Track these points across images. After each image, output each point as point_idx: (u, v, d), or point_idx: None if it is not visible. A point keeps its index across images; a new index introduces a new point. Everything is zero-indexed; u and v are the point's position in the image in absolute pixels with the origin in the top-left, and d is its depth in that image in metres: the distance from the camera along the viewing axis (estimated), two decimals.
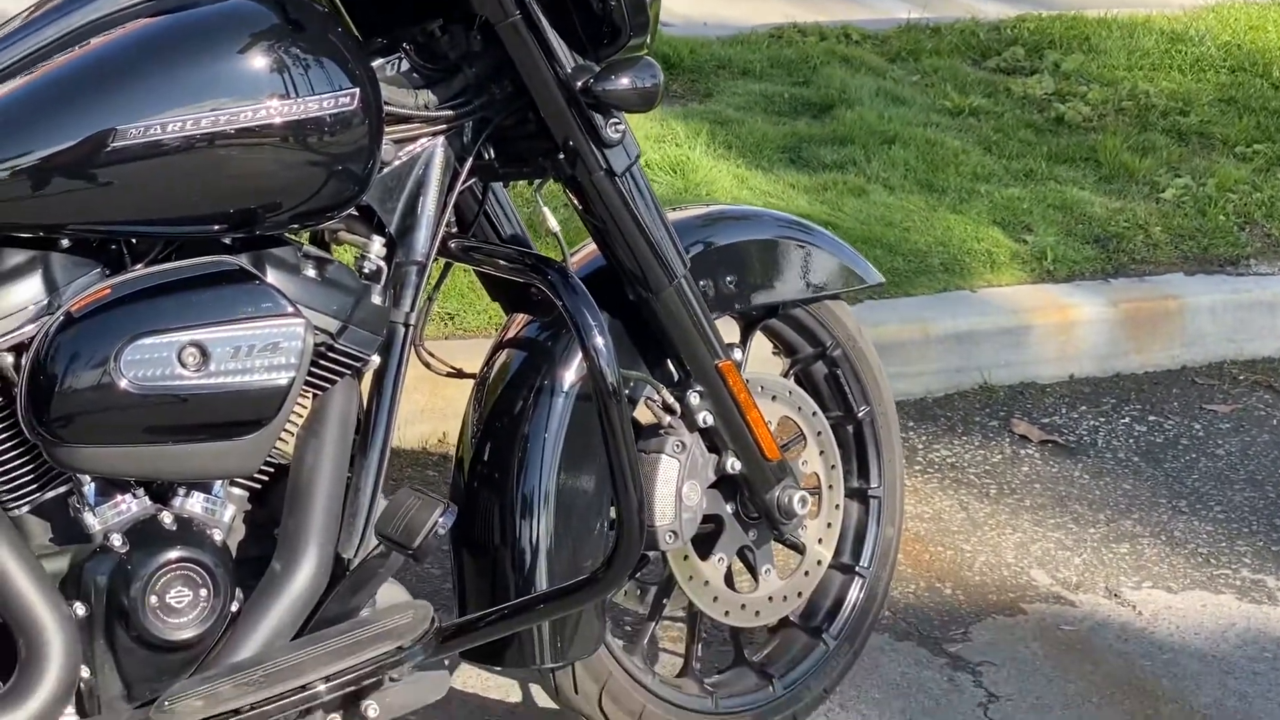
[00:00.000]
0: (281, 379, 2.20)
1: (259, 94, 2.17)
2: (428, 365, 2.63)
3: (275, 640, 2.29)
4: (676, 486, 2.57)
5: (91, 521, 2.23)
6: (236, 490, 2.35)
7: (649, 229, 2.48)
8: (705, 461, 2.62)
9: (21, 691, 2.16)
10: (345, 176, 2.25)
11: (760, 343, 2.83)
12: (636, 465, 2.37)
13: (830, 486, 2.81)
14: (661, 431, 2.59)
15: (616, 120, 2.40)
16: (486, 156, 2.49)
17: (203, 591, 2.25)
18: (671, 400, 2.59)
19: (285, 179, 2.22)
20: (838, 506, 2.83)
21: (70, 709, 2.22)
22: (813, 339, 2.83)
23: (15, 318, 2.16)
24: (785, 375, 2.85)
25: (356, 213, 2.37)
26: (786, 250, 2.74)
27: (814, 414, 2.78)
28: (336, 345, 2.31)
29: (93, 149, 2.11)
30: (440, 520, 2.27)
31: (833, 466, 2.81)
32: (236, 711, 2.19)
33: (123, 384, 2.12)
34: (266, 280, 2.24)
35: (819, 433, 2.79)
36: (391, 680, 2.40)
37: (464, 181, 2.44)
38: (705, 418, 2.60)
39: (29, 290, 2.18)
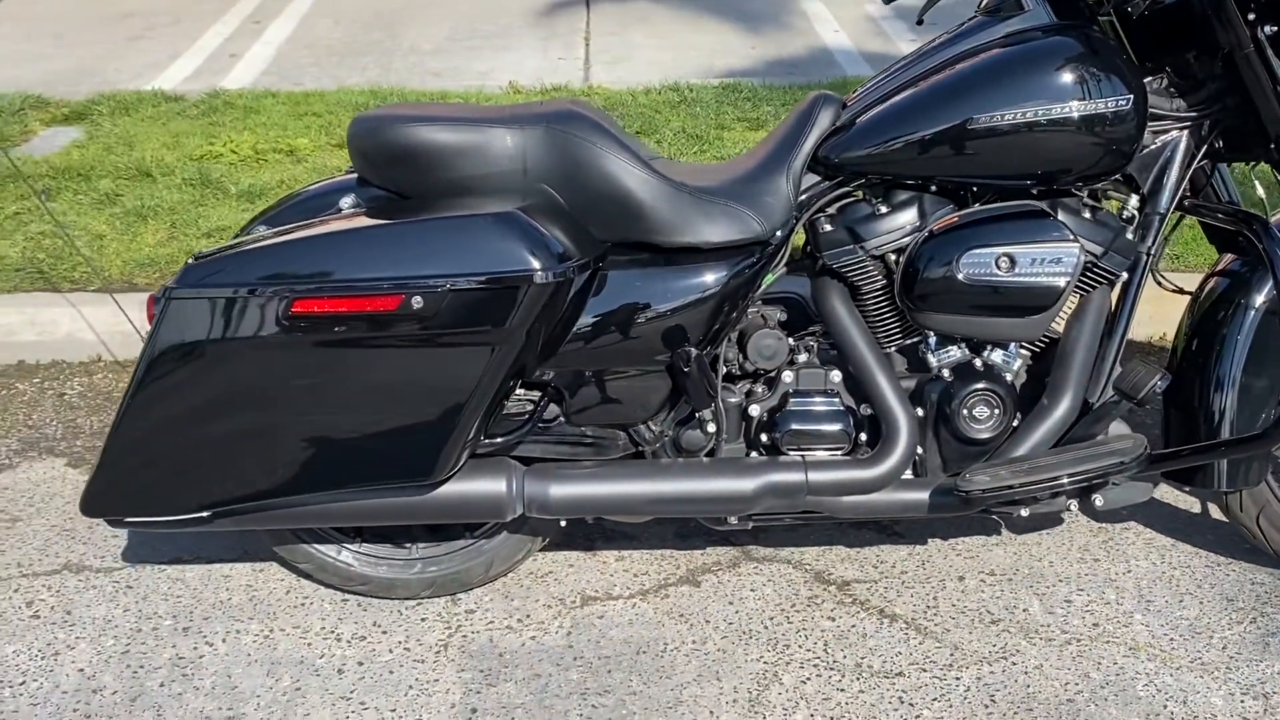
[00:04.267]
0: (1060, 281, 2.27)
1: (1067, 97, 2.22)
2: (1160, 284, 2.60)
3: (1039, 448, 2.37)
4: None
5: (931, 360, 2.40)
6: (1024, 351, 2.43)
7: None
8: None
9: (884, 455, 2.37)
10: (1117, 154, 2.27)
11: None
12: None
13: None
14: None
15: None
16: (1217, 145, 2.41)
17: (996, 410, 2.36)
18: None
19: (1078, 154, 2.26)
20: None
21: (908, 471, 2.40)
22: None
23: (899, 231, 2.34)
24: None
25: (1121, 178, 2.38)
26: None
27: None
28: (1099, 263, 2.34)
29: (957, 129, 2.25)
30: (1158, 383, 2.27)
31: None
32: (1010, 487, 2.28)
33: (960, 276, 2.26)
34: (1057, 218, 2.29)
35: None
36: (1113, 484, 2.43)
37: (1198, 161, 2.39)
38: None
39: (909, 215, 2.35)
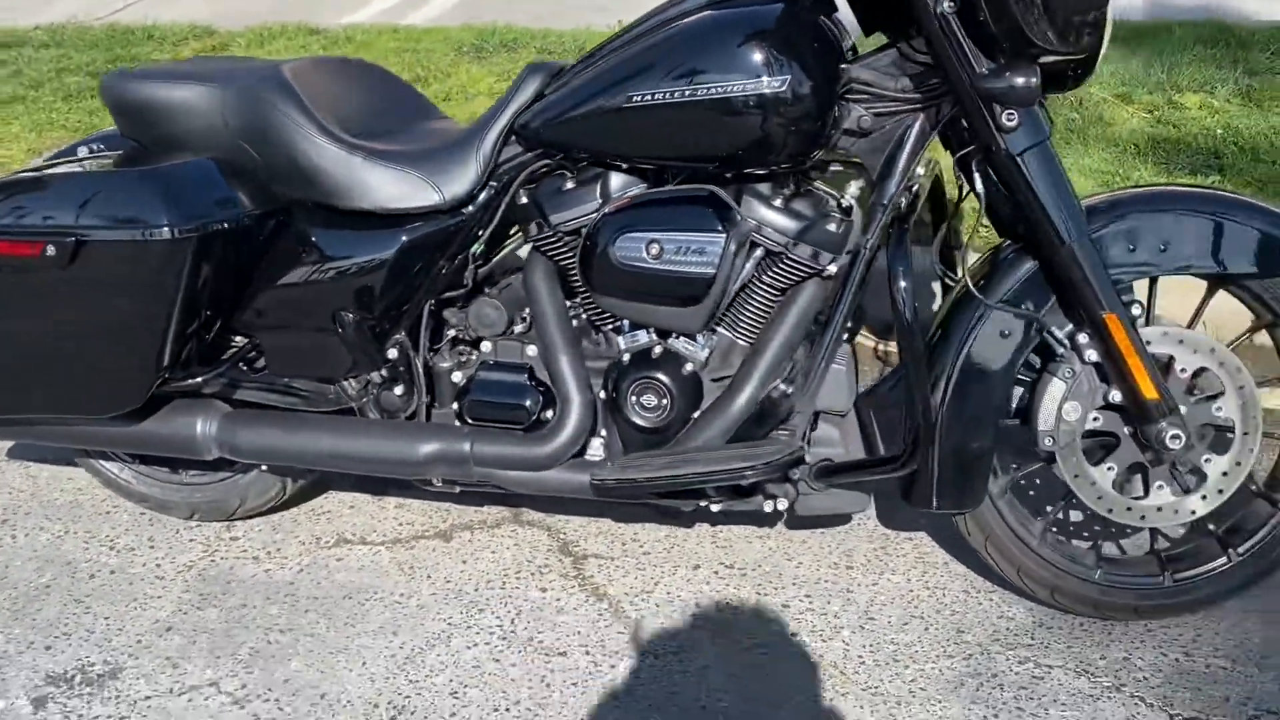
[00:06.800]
0: (706, 272, 2.15)
1: (723, 76, 2.08)
2: (940, 275, 2.39)
3: (711, 441, 2.26)
4: (1059, 403, 2.17)
5: (619, 342, 2.34)
6: (742, 343, 2.30)
7: (1045, 201, 2.08)
8: (1094, 389, 2.18)
9: (551, 434, 2.34)
10: (797, 138, 2.11)
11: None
12: (925, 382, 2.06)
13: (1246, 433, 2.19)
14: (1058, 358, 2.17)
15: (1012, 112, 2.02)
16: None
17: (664, 400, 2.28)
18: (1062, 337, 2.17)
19: (743, 138, 2.11)
20: (1252, 450, 2.20)
21: (585, 445, 2.36)
22: (1268, 309, 2.19)
23: (585, 208, 2.29)
24: (1251, 334, 2.24)
25: (857, 161, 2.22)
26: (1222, 228, 2.13)
27: (1238, 369, 2.17)
28: (790, 254, 2.20)
29: (617, 107, 2.16)
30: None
31: (1252, 416, 2.18)
32: (634, 482, 2.21)
33: (614, 261, 2.19)
34: (734, 204, 2.17)
35: (1241, 386, 2.17)
36: (814, 488, 2.30)
37: (926, 147, 2.17)
38: (1090, 355, 2.15)
39: (595, 193, 2.29)
